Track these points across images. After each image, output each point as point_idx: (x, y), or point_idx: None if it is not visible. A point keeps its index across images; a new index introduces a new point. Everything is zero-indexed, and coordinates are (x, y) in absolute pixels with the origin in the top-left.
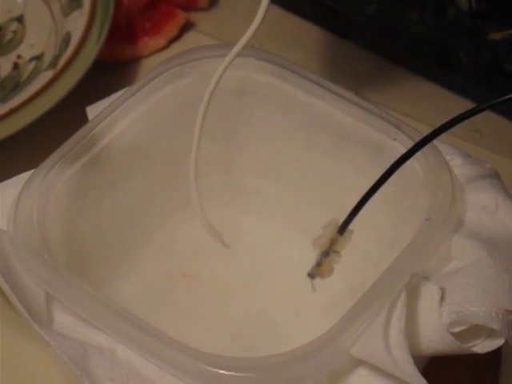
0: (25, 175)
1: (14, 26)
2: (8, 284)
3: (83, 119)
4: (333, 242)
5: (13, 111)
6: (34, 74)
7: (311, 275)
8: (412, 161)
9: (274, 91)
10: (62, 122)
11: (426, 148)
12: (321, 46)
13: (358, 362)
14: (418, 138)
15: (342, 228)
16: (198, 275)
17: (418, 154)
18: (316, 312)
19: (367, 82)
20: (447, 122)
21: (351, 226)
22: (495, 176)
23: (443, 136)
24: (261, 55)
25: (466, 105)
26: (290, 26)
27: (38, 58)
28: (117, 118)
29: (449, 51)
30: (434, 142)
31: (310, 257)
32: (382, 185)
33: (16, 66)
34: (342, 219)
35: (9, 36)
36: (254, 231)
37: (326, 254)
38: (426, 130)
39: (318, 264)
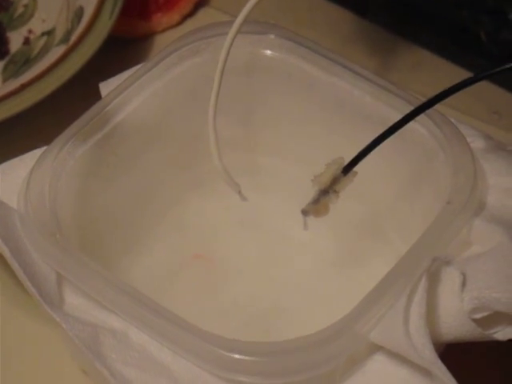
0: (36, 152)
1: (25, 0)
2: (18, 264)
3: (96, 95)
4: (334, 182)
5: (24, 86)
6: (45, 49)
7: (305, 212)
8: (433, 143)
9: (292, 69)
10: (74, 98)
11: (447, 130)
12: (338, 24)
13: (376, 348)
14: (439, 119)
15: (348, 168)
16: (210, 256)
17: (440, 136)
18: (331, 296)
19: (384, 62)
20: (456, 84)
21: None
22: None
23: (463, 117)
24: (280, 32)
25: (485, 85)
26: (305, 3)
27: (49, 33)
28: (131, 95)
29: (469, 31)
30: (456, 123)
31: (326, 240)
32: (395, 132)
33: (27, 41)
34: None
35: (20, 10)
36: (268, 212)
37: (324, 192)
38: (446, 111)
39: (315, 202)
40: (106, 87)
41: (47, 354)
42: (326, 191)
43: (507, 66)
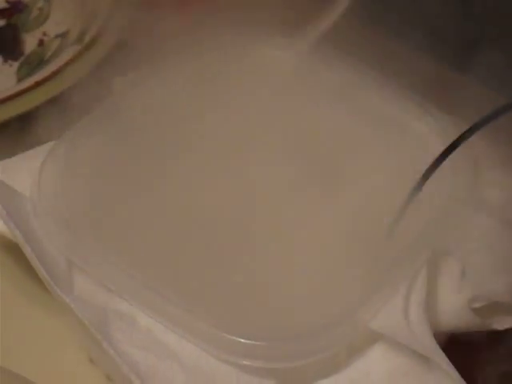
0: (50, 144)
1: (40, 3)
2: (31, 248)
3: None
4: None
5: (38, 84)
6: (59, 50)
7: None
8: (434, 138)
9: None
10: (87, 97)
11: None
12: None
13: (377, 336)
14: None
15: None
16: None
17: (441, 132)
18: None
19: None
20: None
21: None
22: None
23: None
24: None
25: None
26: None
27: (63, 36)
28: (144, 91)
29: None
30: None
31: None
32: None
33: (41, 43)
34: None
35: (35, 13)
36: None
37: None
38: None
39: None
40: (119, 83)
41: (53, 343)
42: None
43: None
